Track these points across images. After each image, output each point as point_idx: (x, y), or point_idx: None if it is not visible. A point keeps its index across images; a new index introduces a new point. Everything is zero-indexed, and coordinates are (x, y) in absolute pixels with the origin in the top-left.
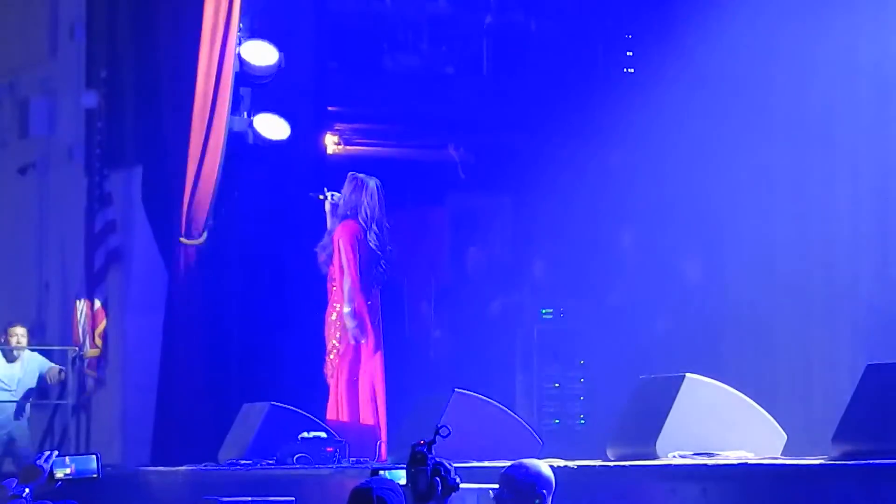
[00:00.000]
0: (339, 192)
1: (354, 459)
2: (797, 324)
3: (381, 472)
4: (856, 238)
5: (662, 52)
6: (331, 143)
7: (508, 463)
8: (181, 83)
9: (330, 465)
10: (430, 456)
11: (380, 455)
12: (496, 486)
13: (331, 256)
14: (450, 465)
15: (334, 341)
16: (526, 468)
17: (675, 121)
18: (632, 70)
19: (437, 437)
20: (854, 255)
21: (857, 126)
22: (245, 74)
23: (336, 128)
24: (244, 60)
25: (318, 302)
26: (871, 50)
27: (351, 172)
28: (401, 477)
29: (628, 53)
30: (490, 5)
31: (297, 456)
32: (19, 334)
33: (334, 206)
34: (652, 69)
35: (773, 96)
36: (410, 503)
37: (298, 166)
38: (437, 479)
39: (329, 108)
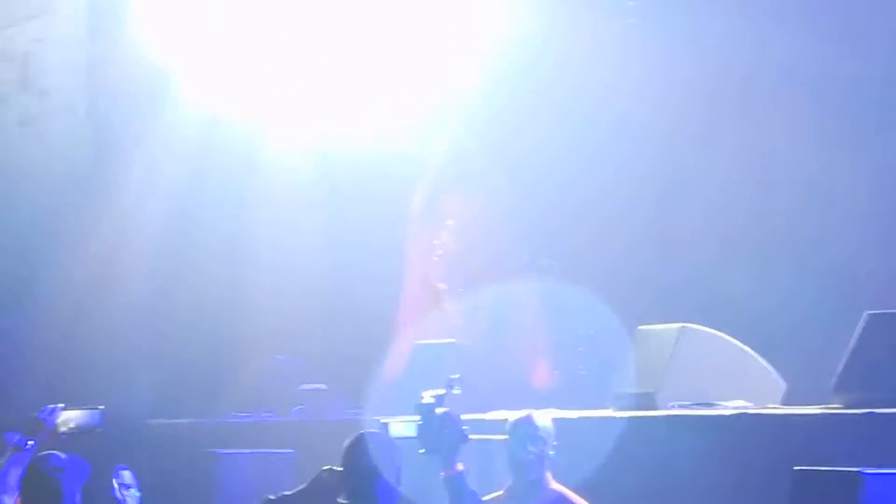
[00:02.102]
0: None
1: (354, 411)
2: (794, 272)
3: (392, 425)
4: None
5: None
6: None
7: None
8: None
9: (329, 417)
10: (438, 408)
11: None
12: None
13: None
14: (459, 417)
15: None
16: (529, 418)
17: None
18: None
19: (448, 389)
20: (847, 205)
21: None
22: None
23: None
24: None
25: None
26: None
27: None
28: (411, 429)
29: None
30: None
31: (296, 407)
32: None
33: None
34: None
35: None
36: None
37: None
38: (445, 430)
39: None
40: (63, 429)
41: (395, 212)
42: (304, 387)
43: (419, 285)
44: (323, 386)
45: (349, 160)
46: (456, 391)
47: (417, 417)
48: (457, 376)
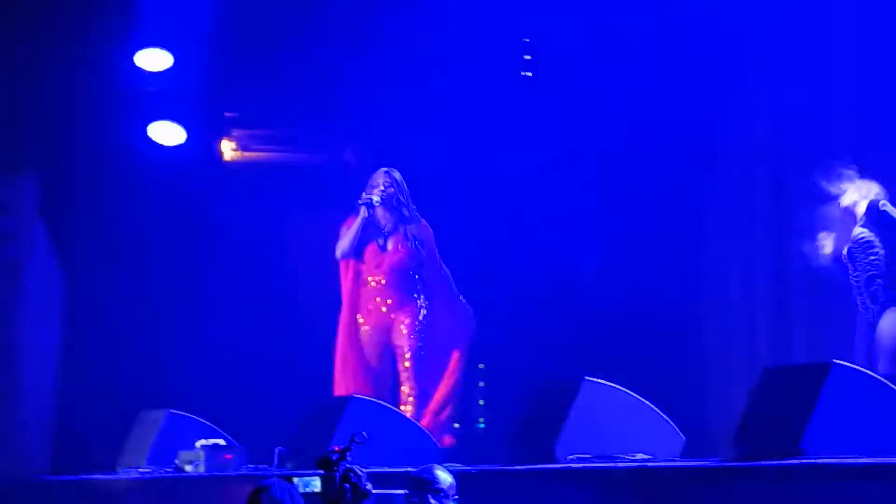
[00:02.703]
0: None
1: (254, 466)
2: (694, 326)
3: (295, 480)
4: (751, 238)
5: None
6: (227, 149)
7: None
8: (77, 89)
9: (229, 472)
10: (341, 462)
11: (277, 461)
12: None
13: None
14: (361, 471)
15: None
16: (430, 471)
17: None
18: (529, 74)
19: (353, 443)
20: (750, 256)
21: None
22: (139, 81)
23: (233, 133)
24: (138, 68)
25: (222, 307)
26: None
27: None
28: (315, 484)
29: (526, 57)
30: (392, 9)
31: (196, 463)
32: None
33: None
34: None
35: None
36: None
37: (195, 173)
38: (347, 485)
39: (226, 114)
40: None
41: None
42: (203, 442)
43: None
44: (222, 441)
45: None
46: (359, 444)
47: (320, 472)
48: (364, 434)
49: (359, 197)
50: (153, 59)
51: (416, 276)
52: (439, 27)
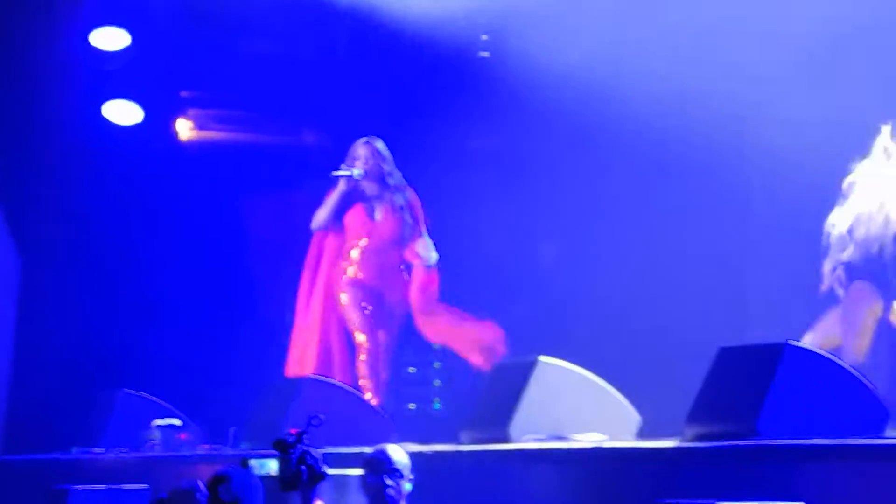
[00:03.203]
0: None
1: (209, 447)
2: (651, 307)
3: (252, 462)
4: (712, 225)
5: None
6: (184, 128)
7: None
8: (32, 70)
9: (184, 452)
10: (297, 444)
11: (233, 441)
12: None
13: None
14: (318, 453)
15: None
16: (385, 451)
17: (534, 103)
18: (487, 54)
19: (311, 426)
20: (709, 240)
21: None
22: (95, 61)
23: (189, 113)
24: (93, 47)
25: (178, 287)
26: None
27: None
28: (271, 466)
29: (483, 37)
30: None
31: (150, 443)
32: None
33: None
34: (509, 54)
35: (637, 82)
36: (279, 491)
37: (151, 153)
38: (304, 467)
39: (182, 94)
40: None
41: None
42: (158, 422)
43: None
44: (178, 421)
45: None
46: (315, 427)
47: (277, 454)
48: (322, 416)
49: (321, 175)
50: (110, 38)
51: (399, 247)
52: (397, 7)
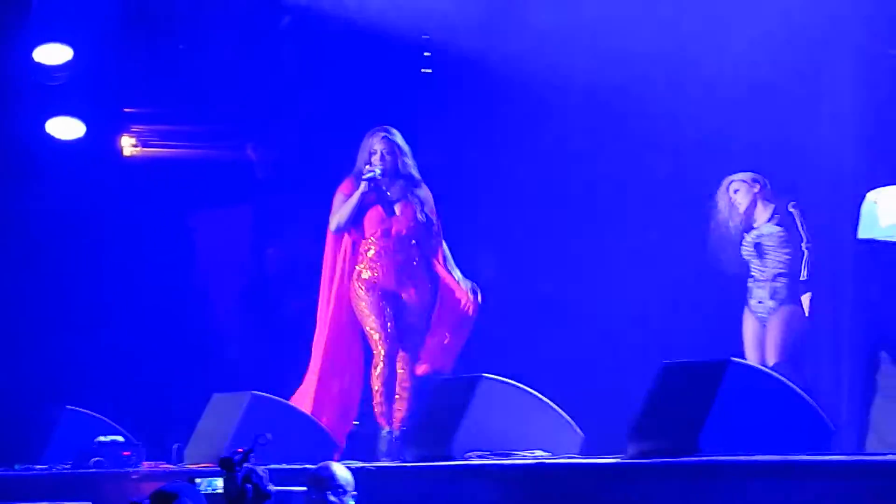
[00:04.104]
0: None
1: (152, 464)
2: (594, 323)
3: (199, 480)
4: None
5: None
6: (127, 144)
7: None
8: None
9: (127, 469)
10: (243, 463)
11: (176, 458)
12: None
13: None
14: (263, 472)
15: None
16: (328, 468)
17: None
18: (429, 70)
19: (257, 444)
20: (648, 255)
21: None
22: (38, 76)
23: (133, 129)
24: (36, 62)
25: (122, 303)
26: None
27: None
28: (217, 485)
29: (426, 54)
30: (288, 7)
31: (93, 459)
32: None
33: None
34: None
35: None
36: None
37: (95, 169)
38: (249, 485)
39: (126, 109)
40: None
41: None
42: (101, 438)
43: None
44: (121, 438)
45: None
46: (262, 445)
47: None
48: (268, 435)
49: (263, 191)
50: (53, 54)
51: (417, 244)
52: (339, 24)
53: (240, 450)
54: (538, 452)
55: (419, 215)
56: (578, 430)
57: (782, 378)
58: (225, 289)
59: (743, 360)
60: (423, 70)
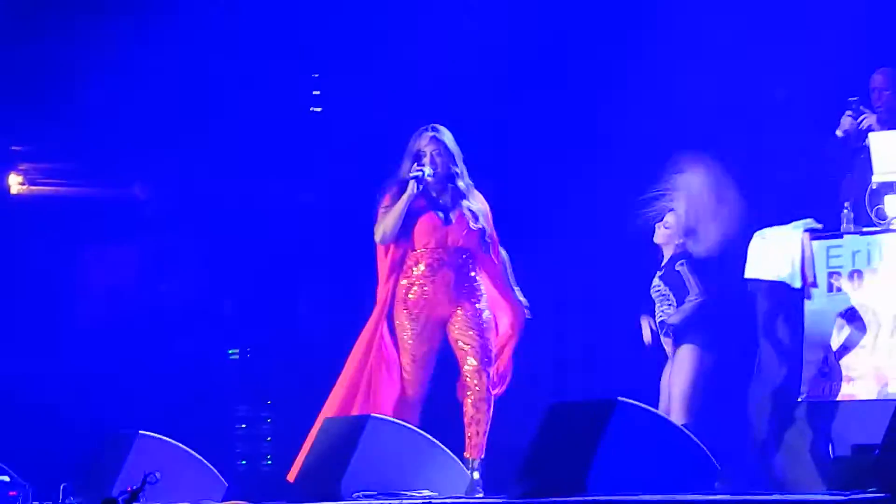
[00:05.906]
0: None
1: (39, 503)
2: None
3: None
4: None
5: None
6: (15, 183)
7: None
8: None
9: None
10: (131, 502)
11: (63, 498)
12: None
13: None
14: None
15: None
16: None
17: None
18: (319, 109)
19: (146, 483)
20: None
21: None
22: None
23: (20, 167)
24: None
25: (6, 340)
26: None
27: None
28: None
29: (315, 92)
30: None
31: None
32: None
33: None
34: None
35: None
36: None
37: None
38: None
39: (12, 148)
40: None
41: None
42: None
43: None
44: (6, 478)
45: None
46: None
47: None
48: (157, 474)
49: (152, 229)
50: None
51: (470, 258)
52: (228, 60)
53: (129, 489)
54: (426, 492)
55: (472, 224)
56: (466, 469)
57: (668, 418)
58: (113, 326)
59: (630, 401)
60: (311, 109)
